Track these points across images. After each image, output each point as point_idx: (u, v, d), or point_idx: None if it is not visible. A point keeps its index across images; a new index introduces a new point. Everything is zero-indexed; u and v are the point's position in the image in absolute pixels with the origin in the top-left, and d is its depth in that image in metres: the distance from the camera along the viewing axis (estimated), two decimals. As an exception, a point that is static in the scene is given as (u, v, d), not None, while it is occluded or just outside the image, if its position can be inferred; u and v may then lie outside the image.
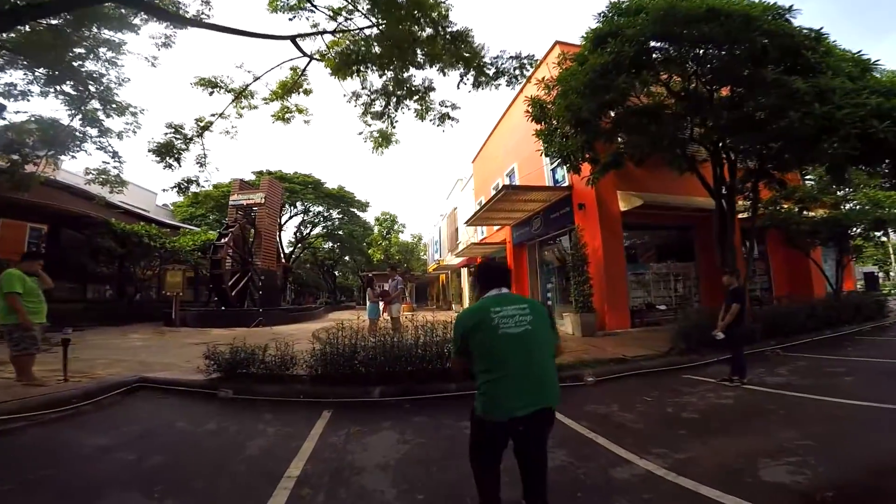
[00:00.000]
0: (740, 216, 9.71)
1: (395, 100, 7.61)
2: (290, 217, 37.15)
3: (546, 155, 10.55)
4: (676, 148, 7.70)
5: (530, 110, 9.25)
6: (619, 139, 8.14)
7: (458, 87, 7.59)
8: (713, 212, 12.11)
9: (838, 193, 12.71)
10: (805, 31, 6.55)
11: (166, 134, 9.81)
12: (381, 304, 9.60)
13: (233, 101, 9.62)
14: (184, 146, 10.10)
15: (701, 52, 6.59)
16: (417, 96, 7.69)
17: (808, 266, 13.03)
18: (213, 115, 10.02)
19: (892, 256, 14.37)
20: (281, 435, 4.05)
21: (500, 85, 7.47)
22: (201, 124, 10.26)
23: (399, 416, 4.58)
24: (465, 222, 15.99)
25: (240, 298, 17.75)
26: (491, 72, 7.25)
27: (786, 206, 11.62)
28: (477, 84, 7.42)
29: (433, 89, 7.46)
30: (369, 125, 9.07)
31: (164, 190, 19.64)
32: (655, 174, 11.83)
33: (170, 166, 9.87)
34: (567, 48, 10.56)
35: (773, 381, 5.81)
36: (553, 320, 2.27)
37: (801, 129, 5.70)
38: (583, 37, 7.76)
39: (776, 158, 7.32)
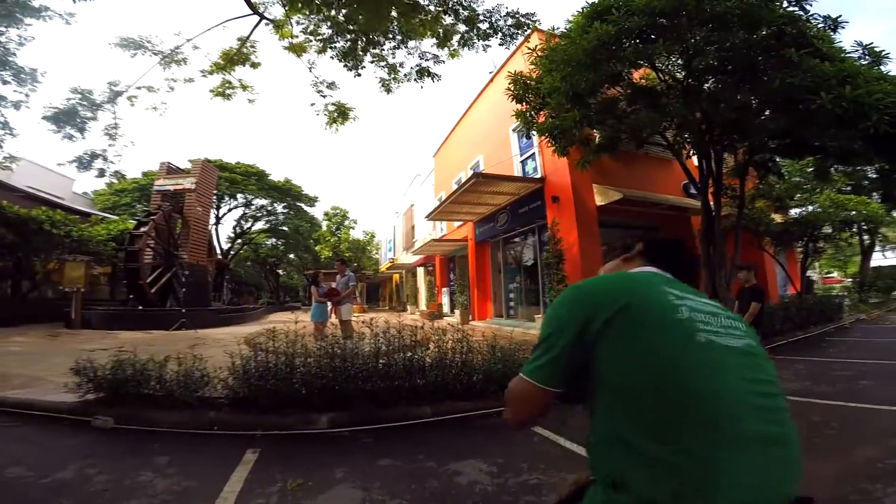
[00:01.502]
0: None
1: (364, 40, 6.15)
2: (230, 210, 34.10)
3: (527, 137, 9.58)
4: (681, 133, 6.94)
5: (512, 89, 8.23)
6: (611, 123, 7.24)
7: (443, 45, 6.29)
8: (684, 210, 11.98)
9: (800, 195, 12.78)
10: (821, 17, 6.04)
11: (69, 99, 8.21)
12: (329, 305, 8.08)
13: (161, 61, 7.83)
14: (90, 114, 8.44)
15: (712, 34, 5.85)
16: (392, 43, 6.28)
17: (766, 268, 13.04)
18: (138, 86, 8.28)
19: (859, 258, 14.87)
20: (177, 492, 2.60)
21: (489, 46, 6.28)
22: (115, 88, 8.56)
23: (358, 456, 3.21)
24: (427, 216, 14.74)
25: (161, 297, 15.35)
26: (483, 26, 6.03)
27: (758, 205, 11.40)
28: (464, 42, 6.18)
29: (412, 37, 6.14)
30: (324, 95, 7.59)
31: (59, 164, 16.90)
32: (629, 169, 11.31)
33: (70, 137, 8.28)
34: (544, 36, 9.77)
35: (789, 387, 5.07)
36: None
37: (830, 113, 5.07)
38: (578, 11, 6.91)
39: (780, 148, 6.72)
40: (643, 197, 10.64)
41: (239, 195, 32.63)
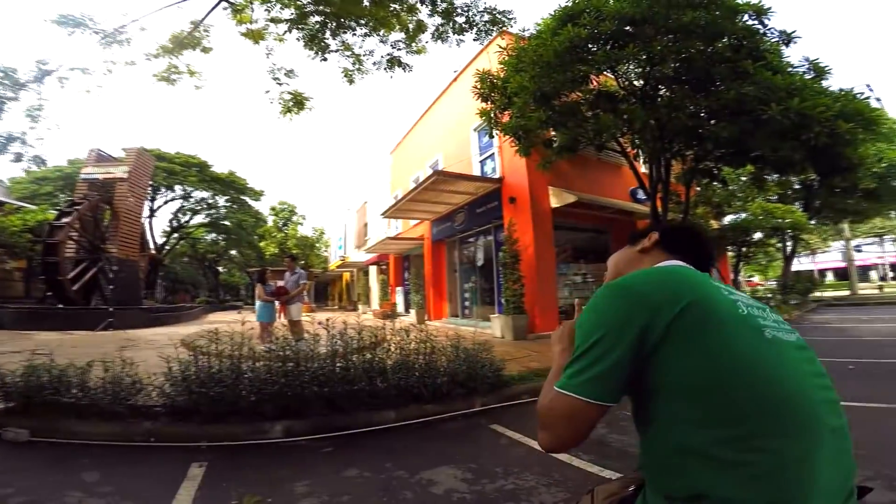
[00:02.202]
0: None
1: (335, 24, 5.79)
2: (167, 202, 31.66)
3: (490, 136, 9.57)
4: (643, 137, 7.18)
5: (478, 86, 8.17)
6: (573, 125, 7.36)
7: (412, 40, 6.07)
8: (629, 214, 12.53)
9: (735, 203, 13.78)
10: (777, 31, 6.46)
11: None
12: (277, 304, 7.59)
13: (102, 40, 7.03)
14: (12, 94, 7.71)
15: (675, 43, 6.09)
16: (364, 30, 5.98)
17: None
18: (72, 67, 7.42)
19: (781, 262, 16.26)
20: None
21: (463, 41, 6.17)
22: (43, 67, 7.67)
23: (319, 467, 2.95)
24: (383, 213, 14.37)
25: (84, 294, 13.92)
26: (460, 20, 5.88)
27: (698, 211, 12.15)
28: (439, 35, 6.01)
29: (385, 25, 5.87)
30: (281, 83, 7.12)
31: None
32: (583, 173, 11.65)
33: None
34: (512, 38, 9.86)
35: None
36: None
37: (778, 123, 5.41)
38: (550, 14, 6.97)
39: (725, 156, 7.13)
40: (596, 200, 10.97)
41: (177, 187, 30.38)
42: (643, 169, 9.41)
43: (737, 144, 6.16)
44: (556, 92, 6.50)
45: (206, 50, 6.95)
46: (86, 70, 7.42)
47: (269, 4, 5.84)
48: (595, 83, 7.49)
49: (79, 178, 16.30)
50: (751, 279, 36.80)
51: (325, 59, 6.25)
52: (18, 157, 7.99)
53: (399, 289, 19.30)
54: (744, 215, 13.34)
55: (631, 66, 6.70)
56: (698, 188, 11.27)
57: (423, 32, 5.99)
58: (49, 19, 6.75)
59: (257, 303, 7.69)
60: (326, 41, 6.01)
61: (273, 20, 6.00)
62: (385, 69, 6.48)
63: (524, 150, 7.77)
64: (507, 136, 7.84)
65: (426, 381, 4.22)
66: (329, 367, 4.08)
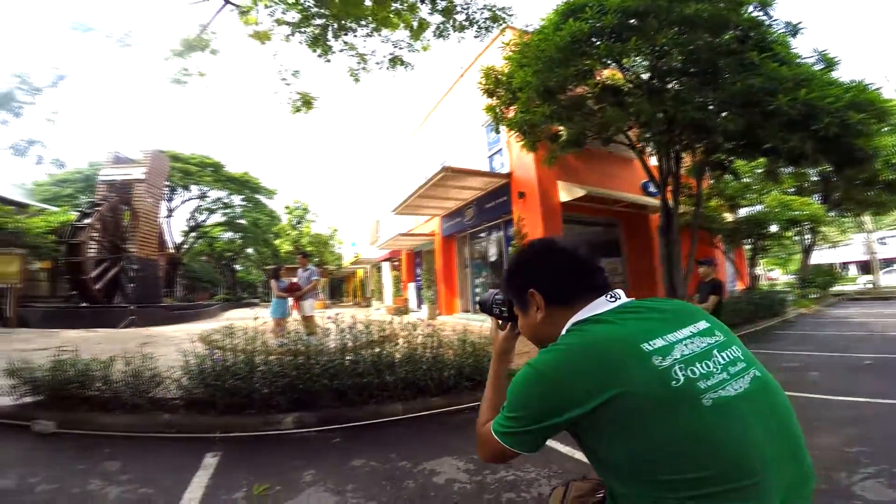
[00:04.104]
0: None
1: (336, 26, 5.88)
2: (184, 202, 32.36)
3: (496, 132, 9.58)
4: (646, 131, 7.13)
5: (483, 82, 8.19)
6: (579, 119, 7.33)
7: (416, 37, 6.12)
8: (641, 207, 12.41)
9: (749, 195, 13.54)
10: (783, 23, 6.35)
11: (6, 83, 7.98)
12: (291, 301, 7.77)
13: (116, 44, 7.26)
14: (30, 98, 7.89)
15: (679, 36, 6.02)
16: (366, 30, 6.05)
17: (718, 264, 13.74)
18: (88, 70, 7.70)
19: (800, 255, 15.91)
20: (131, 501, 2.38)
21: (464, 38, 6.22)
22: (58, 72, 7.98)
23: (327, 457, 3.05)
24: (393, 210, 14.49)
25: (107, 293, 14.36)
26: (460, 18, 5.91)
27: (711, 204, 11.96)
28: (440, 33, 6.05)
29: (386, 25, 5.94)
30: (288, 84, 7.25)
31: None
32: (592, 167, 11.57)
33: (4, 122, 8.22)
34: (516, 33, 9.81)
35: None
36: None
37: (786, 115, 5.33)
38: (553, 9, 6.95)
39: (736, 149, 7.02)
40: (606, 194, 10.90)
41: (193, 187, 31.04)
42: (654, 162, 9.32)
43: (746, 136, 6.08)
44: (560, 86, 6.49)
45: (214, 52, 7.11)
46: (100, 73, 7.73)
47: (272, 7, 5.94)
48: (601, 77, 7.46)
49: (98, 179, 16.79)
50: (771, 272, 36.05)
51: (328, 61, 6.35)
52: (40, 160, 8.30)
53: (411, 285, 19.43)
54: (760, 208, 13.09)
55: (638, 59, 6.64)
56: (711, 181, 11.07)
57: (426, 30, 6.02)
58: (62, 24, 7.05)
59: (272, 299, 7.89)
60: (329, 43, 6.10)
61: (278, 21, 6.11)
62: (387, 68, 6.55)
63: (530, 145, 7.78)
64: (513, 132, 7.85)
65: (433, 374, 4.31)
66: (339, 361, 4.19)
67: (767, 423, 0.80)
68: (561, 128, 7.94)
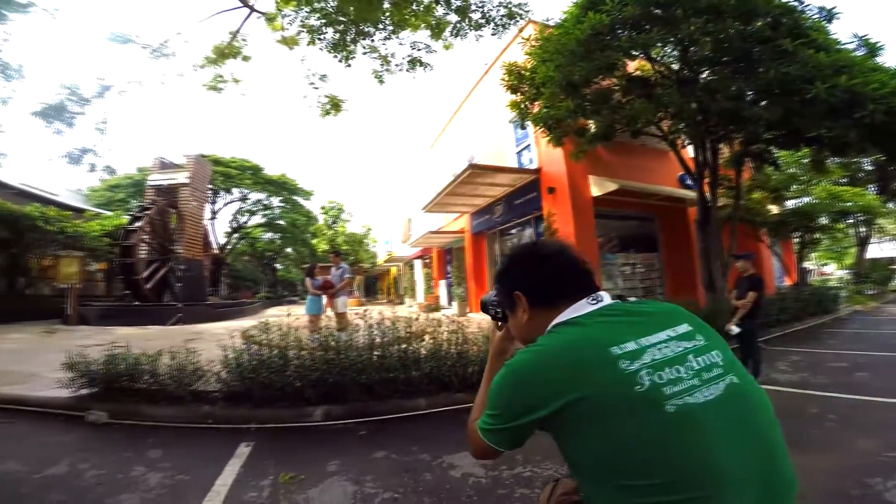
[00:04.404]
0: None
1: (354, 31, 6.06)
2: (226, 204, 33.87)
3: (521, 128, 9.51)
4: (676, 123, 6.89)
5: (506, 78, 8.16)
6: (606, 113, 7.17)
7: (437, 36, 6.20)
8: (679, 201, 11.96)
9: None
10: (816, 8, 6.02)
11: (59, 94, 8.13)
12: (325, 298, 8.05)
13: (151, 54, 7.75)
14: (79, 109, 8.41)
15: (707, 24, 5.79)
16: (384, 34, 6.20)
17: (763, 259, 13.04)
18: (129, 80, 8.22)
19: (857, 249, 14.87)
20: (170, 486, 2.59)
21: (482, 36, 6.22)
22: (103, 83, 8.48)
23: (351, 449, 3.19)
24: (423, 208, 14.66)
25: (157, 292, 15.27)
26: (475, 16, 5.95)
27: (754, 196, 11.39)
28: (457, 32, 6.10)
29: (404, 27, 6.05)
30: (316, 87, 7.51)
31: (49, 160, 16.88)
32: (625, 160, 11.28)
33: (59, 132, 8.24)
34: (538, 27, 9.69)
35: (785, 378, 5.12)
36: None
37: (825, 103, 5.05)
38: (574, 2, 6.85)
39: (778, 138, 6.68)
40: (640, 188, 10.62)
41: (234, 189, 32.38)
42: (691, 153, 8.98)
43: (785, 126, 5.77)
44: (584, 80, 6.37)
45: (245, 58, 7.44)
46: (141, 83, 8.19)
47: (292, 15, 6.15)
48: (632, 68, 7.25)
49: (146, 184, 17.85)
50: (824, 267, 33.82)
51: (349, 65, 6.51)
52: (92, 168, 8.88)
53: (442, 282, 19.58)
54: (808, 199, 12.33)
55: (668, 49, 6.43)
56: (755, 173, 10.53)
57: (445, 29, 6.07)
58: (101, 37, 7.55)
59: (308, 296, 8.21)
60: (350, 47, 6.26)
61: (303, 26, 6.32)
62: (407, 70, 6.65)
63: (556, 140, 7.68)
64: (538, 127, 7.77)
65: (457, 370, 4.38)
66: (367, 357, 4.33)
67: (739, 431, 0.78)
68: (589, 122, 7.80)
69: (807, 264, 15.83)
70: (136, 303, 14.28)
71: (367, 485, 2.57)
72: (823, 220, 11.75)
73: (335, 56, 6.42)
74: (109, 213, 19.23)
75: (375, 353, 4.46)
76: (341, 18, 5.86)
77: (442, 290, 19.45)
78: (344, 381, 4.04)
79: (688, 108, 6.07)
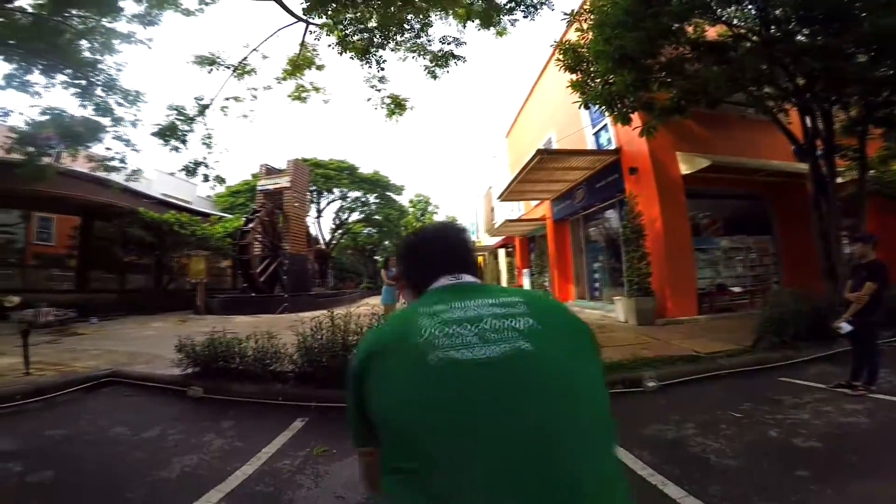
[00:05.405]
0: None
1: (379, 34, 6.30)
2: (329, 203, 37.07)
3: (585, 108, 8.96)
4: (765, 88, 6.00)
5: (562, 59, 7.76)
6: (678, 83, 6.46)
7: (464, 25, 6.19)
8: (796, 176, 10.24)
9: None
10: None
11: (168, 116, 9.48)
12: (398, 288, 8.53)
13: (234, 73, 8.81)
14: (187, 127, 9.72)
15: None
16: (411, 32, 6.35)
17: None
18: (227, 98, 9.48)
19: None
20: (225, 451, 3.06)
21: (516, 20, 6.02)
22: (201, 103, 9.73)
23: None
24: (498, 197, 14.58)
25: (269, 284, 17.35)
26: (502, 1, 5.80)
27: (894, 167, 9.35)
28: (487, 20, 6.00)
29: (430, 24, 6.12)
30: (378, 90, 7.91)
31: (170, 174, 19.63)
32: (722, 133, 10.04)
33: (175, 148, 9.53)
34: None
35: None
36: (593, 337, 0.87)
37: None
38: None
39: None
40: (740, 163, 9.37)
41: (335, 189, 35.26)
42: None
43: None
44: (641, 51, 5.77)
45: (319, 67, 8.05)
46: (238, 98, 9.28)
47: (339, 27, 6.49)
48: (712, 34, 6.40)
49: (257, 189, 20.23)
50: None
51: (382, 69, 6.69)
52: (206, 178, 10.18)
53: (525, 271, 19.29)
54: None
55: (743, 9, 5.55)
56: (885, 140, 8.64)
57: (476, 16, 5.94)
58: (189, 61, 8.57)
59: (383, 287, 8.78)
60: (375, 53, 6.42)
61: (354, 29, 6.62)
62: (440, 66, 6.65)
63: (622, 118, 7.09)
64: (599, 106, 7.25)
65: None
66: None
67: (509, 393, 0.69)
68: (655, 95, 7.06)
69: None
70: (252, 294, 16.38)
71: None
72: None
73: (360, 61, 6.63)
74: (230, 216, 22.14)
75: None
76: (365, 26, 6.07)
77: (525, 279, 19.18)
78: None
79: (770, 71, 5.19)
